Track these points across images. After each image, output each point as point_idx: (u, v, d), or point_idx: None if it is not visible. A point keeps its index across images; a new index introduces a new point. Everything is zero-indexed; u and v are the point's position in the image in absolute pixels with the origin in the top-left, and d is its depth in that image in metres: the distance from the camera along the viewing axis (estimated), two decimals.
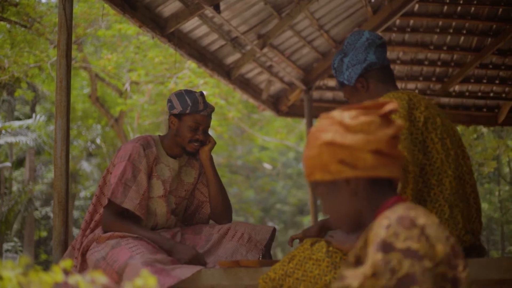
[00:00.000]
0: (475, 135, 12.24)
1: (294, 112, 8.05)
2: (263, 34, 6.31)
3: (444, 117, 2.88)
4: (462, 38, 7.31)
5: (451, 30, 7.22)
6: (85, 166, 18.49)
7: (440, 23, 7.14)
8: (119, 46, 13.77)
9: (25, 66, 11.90)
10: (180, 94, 3.51)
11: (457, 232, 2.72)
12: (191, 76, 13.15)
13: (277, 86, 7.66)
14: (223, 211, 3.66)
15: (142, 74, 13.68)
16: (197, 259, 3.30)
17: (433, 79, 7.90)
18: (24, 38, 11.62)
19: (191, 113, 3.47)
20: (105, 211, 3.41)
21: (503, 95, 8.07)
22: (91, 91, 15.23)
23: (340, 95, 8.01)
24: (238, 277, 3.11)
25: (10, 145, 17.50)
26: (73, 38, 11.74)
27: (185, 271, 3.11)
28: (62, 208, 3.65)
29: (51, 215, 18.77)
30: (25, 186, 16.10)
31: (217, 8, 5.39)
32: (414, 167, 2.64)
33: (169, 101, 3.54)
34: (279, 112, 7.93)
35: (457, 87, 8.02)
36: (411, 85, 8.01)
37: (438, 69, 7.79)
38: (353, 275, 1.56)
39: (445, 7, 6.92)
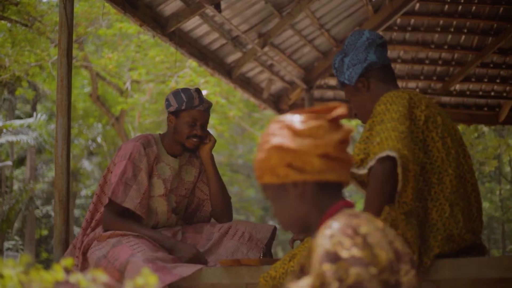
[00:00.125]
0: (476, 134, 12.25)
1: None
2: (264, 33, 6.31)
3: (445, 116, 2.88)
4: (463, 37, 7.30)
5: (452, 29, 7.21)
6: (86, 164, 18.51)
7: (441, 22, 7.13)
8: (120, 45, 13.77)
9: (26, 65, 11.91)
10: (176, 92, 3.53)
11: (458, 231, 2.72)
12: (192, 75, 13.16)
13: (278, 85, 7.66)
14: (223, 210, 3.66)
15: (143, 73, 13.69)
16: (198, 258, 3.31)
17: (434, 78, 7.89)
18: (25, 37, 11.63)
19: (186, 109, 3.48)
20: (105, 210, 3.41)
21: (504, 94, 8.06)
22: (92, 90, 15.24)
23: (341, 94, 8.01)
24: (239, 275, 3.12)
25: (11, 144, 17.51)
26: (74, 37, 11.73)
27: (186, 270, 3.11)
28: (63, 207, 3.66)
29: (52, 213, 18.79)
30: (26, 184, 16.11)
31: (218, 7, 5.39)
32: (414, 166, 2.64)
33: (166, 100, 3.55)
34: (280, 111, 7.92)
35: (458, 86, 8.02)
36: (412, 84, 8.00)
37: (439, 68, 7.79)
38: (300, 287, 1.57)
39: (446, 6, 6.91)
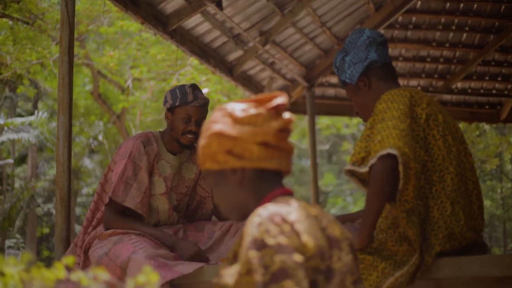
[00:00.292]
0: (477, 132, 12.23)
1: (296, 109, 8.04)
2: (265, 31, 6.31)
3: (446, 114, 2.88)
4: (465, 35, 7.29)
5: (453, 27, 7.20)
6: (87, 163, 18.51)
7: (443, 20, 7.12)
8: (121, 43, 13.77)
9: (27, 63, 11.92)
10: (172, 89, 3.53)
11: (459, 229, 2.72)
12: (194, 72, 13.15)
13: (279, 83, 7.65)
14: None
15: (144, 71, 13.68)
16: (199, 256, 3.31)
17: (436, 76, 7.89)
18: (26, 35, 11.64)
19: (181, 105, 3.47)
20: (106, 209, 3.41)
21: (506, 92, 8.05)
22: (93, 88, 15.24)
23: (342, 92, 8.00)
24: None
25: (12, 141, 17.51)
26: (75, 35, 11.74)
27: (187, 267, 3.12)
28: (64, 205, 3.66)
29: (53, 211, 18.80)
30: (27, 183, 16.12)
31: (219, 5, 5.38)
32: (415, 164, 2.64)
33: (164, 97, 3.56)
34: None
35: (459, 84, 8.01)
36: (413, 82, 8.00)
37: (440, 66, 7.78)
38: (229, 273, 1.62)
39: (448, 4, 6.90)
